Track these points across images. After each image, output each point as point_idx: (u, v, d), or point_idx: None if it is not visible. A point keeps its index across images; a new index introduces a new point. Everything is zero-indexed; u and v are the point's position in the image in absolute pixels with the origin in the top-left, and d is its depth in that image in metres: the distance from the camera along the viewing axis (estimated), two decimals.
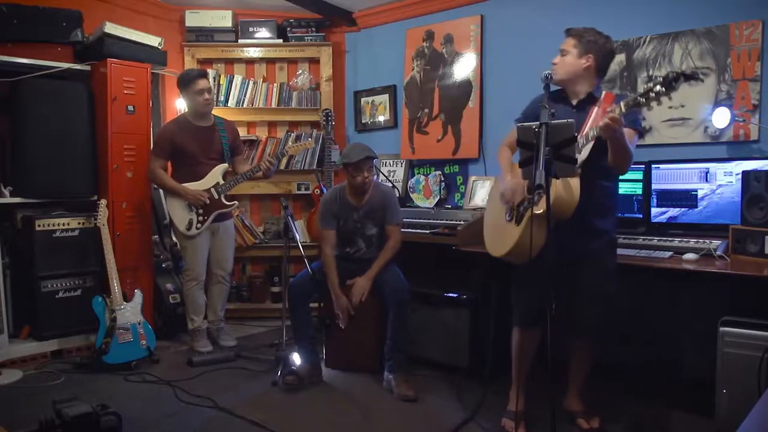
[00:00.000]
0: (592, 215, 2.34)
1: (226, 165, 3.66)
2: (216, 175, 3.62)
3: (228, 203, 3.64)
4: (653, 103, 1.95)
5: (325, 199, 3.31)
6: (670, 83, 1.89)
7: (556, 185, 2.18)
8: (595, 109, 2.29)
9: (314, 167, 4.51)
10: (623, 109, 2.05)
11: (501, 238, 2.45)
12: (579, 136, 2.24)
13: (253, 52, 4.59)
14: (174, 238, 4.03)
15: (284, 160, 4.49)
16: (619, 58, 3.35)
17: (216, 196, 3.59)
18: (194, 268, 3.63)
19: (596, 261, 2.40)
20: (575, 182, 2.22)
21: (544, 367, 1.95)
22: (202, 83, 3.54)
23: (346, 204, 3.23)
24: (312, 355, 3.18)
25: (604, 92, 2.33)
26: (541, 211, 2.10)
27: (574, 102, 2.43)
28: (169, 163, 3.68)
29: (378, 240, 3.27)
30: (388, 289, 3.08)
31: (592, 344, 2.56)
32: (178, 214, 3.58)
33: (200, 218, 3.57)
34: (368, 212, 3.23)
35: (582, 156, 2.23)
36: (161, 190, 3.95)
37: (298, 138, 4.52)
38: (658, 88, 1.92)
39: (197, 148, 3.57)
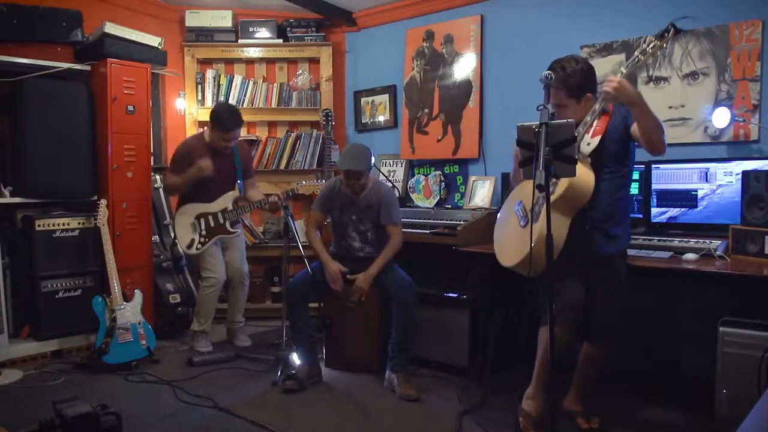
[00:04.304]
0: (603, 221, 2.34)
1: (237, 193, 3.71)
2: (226, 200, 3.67)
3: (232, 230, 3.70)
4: (651, 60, 2.17)
5: (324, 186, 3.38)
6: (662, 34, 2.12)
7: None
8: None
9: (314, 167, 4.51)
10: (624, 71, 2.09)
11: (517, 246, 2.37)
12: (580, 125, 2.26)
13: (253, 52, 4.59)
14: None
15: (284, 161, 4.56)
16: (619, 58, 3.35)
17: (221, 221, 3.65)
18: (215, 273, 3.64)
19: (608, 265, 2.37)
20: (587, 172, 2.24)
21: (550, 367, 1.95)
22: (235, 134, 3.58)
23: (343, 195, 3.24)
24: (311, 355, 3.17)
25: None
26: (562, 190, 2.18)
27: None
28: None
29: (374, 237, 3.27)
30: (395, 289, 3.08)
31: (605, 349, 2.52)
32: (183, 231, 3.63)
33: (202, 239, 3.62)
34: (364, 208, 3.23)
35: (590, 147, 2.26)
36: (162, 193, 4.17)
37: (298, 138, 4.54)
38: (653, 42, 2.12)
39: (212, 171, 3.56)
